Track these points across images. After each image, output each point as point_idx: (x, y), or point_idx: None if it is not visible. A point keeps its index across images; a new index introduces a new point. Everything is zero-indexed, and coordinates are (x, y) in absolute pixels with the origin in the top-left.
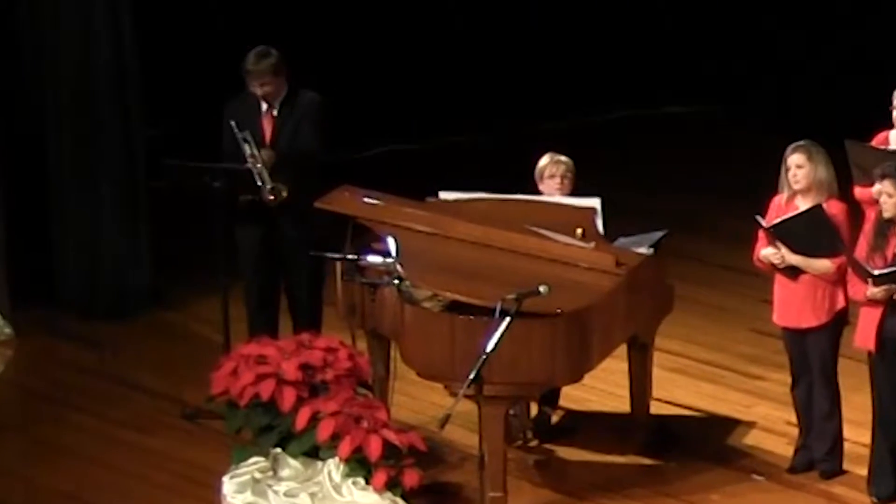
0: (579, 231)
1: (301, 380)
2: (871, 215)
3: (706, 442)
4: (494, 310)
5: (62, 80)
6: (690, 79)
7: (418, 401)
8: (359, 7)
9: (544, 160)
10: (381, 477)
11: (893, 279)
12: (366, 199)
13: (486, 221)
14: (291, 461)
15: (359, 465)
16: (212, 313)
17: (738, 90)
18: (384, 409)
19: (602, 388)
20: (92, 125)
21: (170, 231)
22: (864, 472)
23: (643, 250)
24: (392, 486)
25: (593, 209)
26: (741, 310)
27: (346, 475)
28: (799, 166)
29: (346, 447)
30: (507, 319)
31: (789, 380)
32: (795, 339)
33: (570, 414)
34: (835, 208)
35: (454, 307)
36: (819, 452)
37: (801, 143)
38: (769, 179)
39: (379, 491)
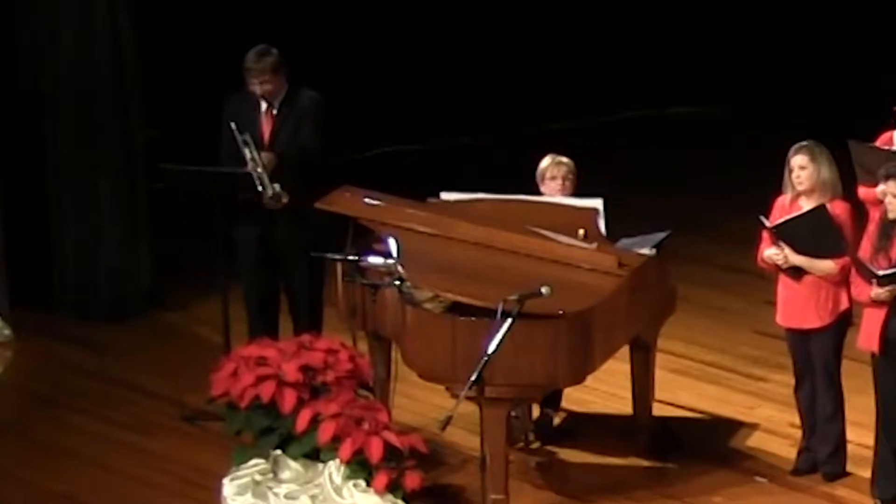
0: (581, 232)
1: (302, 381)
2: (875, 216)
3: (709, 444)
4: (496, 311)
5: (62, 79)
6: (692, 80)
7: (419, 402)
8: (359, 7)
9: (546, 161)
10: (382, 479)
11: None
12: (367, 200)
13: (488, 222)
14: (292, 463)
15: (360, 468)
16: (212, 314)
17: (739, 90)
18: (385, 410)
19: (604, 390)
20: (91, 125)
21: (169, 232)
22: (867, 474)
23: (645, 251)
24: (393, 488)
25: (595, 210)
26: (744, 311)
27: (347, 477)
28: (802, 167)
29: (346, 449)
30: (509, 321)
31: (792, 381)
32: (799, 340)
33: (571, 416)
34: (838, 209)
35: (456, 308)
36: (822, 454)
37: (805, 143)
38: (772, 180)
39: (380, 493)
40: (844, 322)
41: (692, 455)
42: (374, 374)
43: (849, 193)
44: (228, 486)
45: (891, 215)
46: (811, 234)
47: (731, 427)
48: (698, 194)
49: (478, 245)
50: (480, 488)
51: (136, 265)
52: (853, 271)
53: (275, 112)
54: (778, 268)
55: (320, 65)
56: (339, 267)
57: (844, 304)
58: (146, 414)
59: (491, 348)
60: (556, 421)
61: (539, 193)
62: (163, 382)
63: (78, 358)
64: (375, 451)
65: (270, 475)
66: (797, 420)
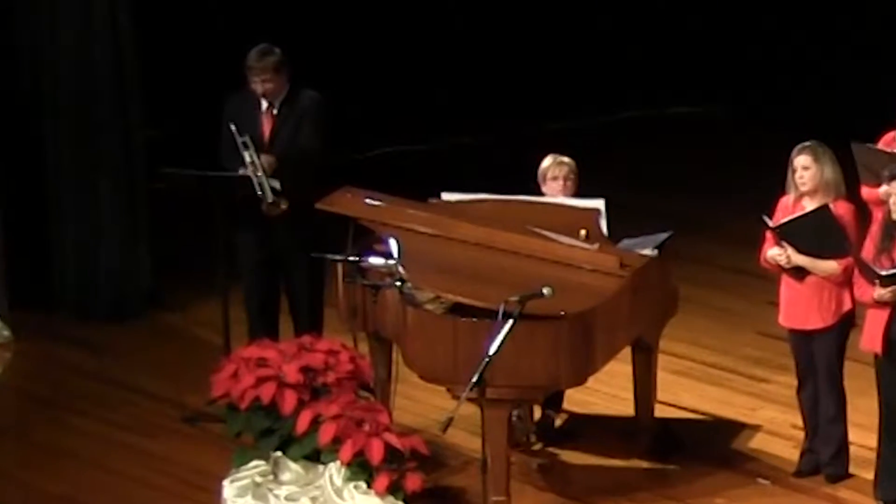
0: (583, 232)
1: (302, 383)
2: (878, 216)
3: (711, 445)
4: (497, 312)
5: (62, 79)
6: (692, 80)
7: (420, 404)
8: (360, 7)
9: (547, 161)
10: (382, 481)
11: None
12: (367, 201)
13: (489, 223)
14: (292, 465)
15: (360, 469)
16: (212, 316)
17: (739, 90)
18: (386, 412)
19: (606, 391)
20: (91, 125)
21: (169, 232)
22: (870, 475)
23: (647, 252)
24: (394, 490)
25: (597, 210)
26: (747, 312)
27: (348, 479)
28: (805, 167)
29: (347, 451)
30: (511, 322)
31: (795, 383)
32: (801, 341)
33: (573, 417)
34: (842, 209)
35: (457, 309)
36: (825, 456)
37: (808, 143)
38: (772, 180)
39: (381, 495)
40: (847, 323)
41: (694, 456)
42: (374, 375)
43: (852, 194)
44: (229, 488)
45: (894, 216)
46: (814, 234)
47: (733, 428)
48: (699, 194)
49: (479, 246)
50: (482, 490)
51: (136, 266)
52: (856, 272)
53: (275, 112)
54: (781, 268)
55: (321, 65)
56: (339, 268)
57: (847, 305)
58: (146, 415)
59: (492, 349)
60: (558, 422)
61: (540, 194)
62: (163, 384)
63: (78, 359)
64: (376, 453)
65: (271, 477)
66: (800, 421)
